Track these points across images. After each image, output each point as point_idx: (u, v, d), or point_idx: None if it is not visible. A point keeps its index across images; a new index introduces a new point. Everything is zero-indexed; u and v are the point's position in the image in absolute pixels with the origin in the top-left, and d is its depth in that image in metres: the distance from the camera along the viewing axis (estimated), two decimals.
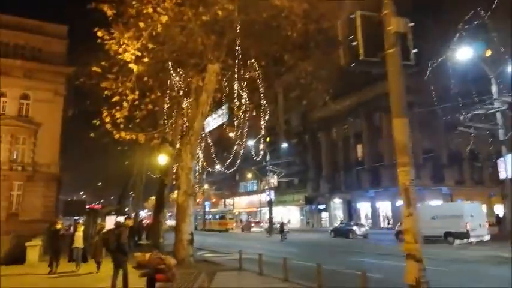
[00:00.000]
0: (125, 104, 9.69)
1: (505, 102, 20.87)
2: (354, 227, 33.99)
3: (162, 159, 14.11)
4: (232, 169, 25.06)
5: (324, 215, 51.55)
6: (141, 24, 8.70)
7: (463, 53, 20.38)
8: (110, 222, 18.05)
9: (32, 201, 29.10)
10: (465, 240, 23.30)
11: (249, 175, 60.72)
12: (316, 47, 11.81)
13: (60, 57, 32.78)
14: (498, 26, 22.20)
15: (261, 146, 29.94)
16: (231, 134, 18.85)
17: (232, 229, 50.42)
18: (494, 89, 22.27)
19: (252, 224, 52.85)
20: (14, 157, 30.43)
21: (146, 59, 9.26)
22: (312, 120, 52.16)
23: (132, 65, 8.77)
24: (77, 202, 43.86)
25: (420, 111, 42.37)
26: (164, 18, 8.49)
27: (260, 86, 14.16)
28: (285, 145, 49.92)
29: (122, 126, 10.18)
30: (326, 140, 52.23)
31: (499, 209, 42.65)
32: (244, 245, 26.12)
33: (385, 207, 43.62)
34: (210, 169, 23.74)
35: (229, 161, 21.88)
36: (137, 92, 9.79)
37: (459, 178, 42.69)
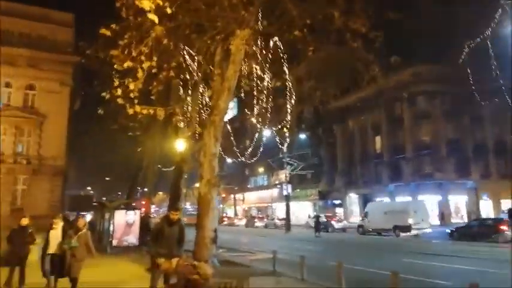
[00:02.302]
0: (140, 72, 7.84)
1: None
2: (333, 221, 36.35)
3: (181, 144, 12.28)
4: (253, 159, 23.24)
5: (339, 210, 49.57)
6: None
7: None
8: (119, 217, 16.39)
9: (37, 195, 27.69)
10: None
11: (261, 169, 58.86)
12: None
13: (67, 46, 31.21)
14: None
15: (278, 137, 28.01)
16: (253, 120, 16.92)
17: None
18: None
19: (256, 220, 51.01)
20: (19, 150, 29.10)
21: (169, 10, 7.39)
22: (326, 112, 50.05)
23: (151, 15, 6.93)
24: (83, 197, 42.55)
25: (445, 101, 40.30)
26: None
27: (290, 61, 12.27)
28: (299, 137, 47.87)
29: (136, 101, 8.34)
30: (342, 132, 50.13)
31: None
32: (262, 242, 24.54)
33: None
34: (229, 159, 22.07)
35: (249, 150, 20.07)
36: (155, 58, 7.92)
37: (485, 171, 40.41)
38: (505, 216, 31.95)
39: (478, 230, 23.39)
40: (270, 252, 18.20)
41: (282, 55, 12.80)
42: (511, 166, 41.06)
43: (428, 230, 27.80)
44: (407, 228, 27.23)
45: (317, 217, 33.15)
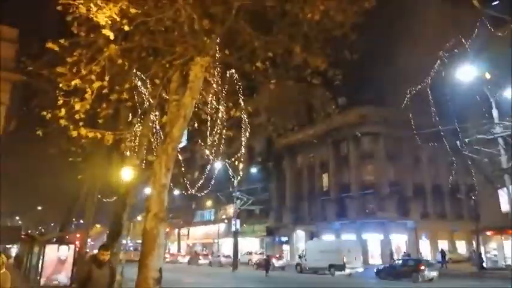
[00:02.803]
0: (88, 93, 7.13)
1: (507, 128, 20.20)
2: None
3: (127, 173, 11.35)
4: (203, 192, 22.38)
5: (286, 247, 49.15)
6: None
7: (465, 73, 19.32)
8: (50, 252, 14.68)
9: None
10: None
11: (208, 202, 57.38)
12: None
13: (7, 63, 28.96)
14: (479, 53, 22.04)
15: (230, 170, 27.50)
16: (206, 151, 16.40)
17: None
18: (495, 113, 21.68)
19: (200, 257, 48.84)
20: None
21: (126, 27, 6.88)
22: (276, 148, 50.60)
23: (106, 31, 6.37)
24: (9, 228, 38.50)
25: (387, 143, 42.41)
26: None
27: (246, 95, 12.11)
28: (249, 171, 47.60)
29: (81, 123, 7.53)
30: (291, 168, 50.70)
31: (462, 245, 42.89)
32: (209, 283, 23.25)
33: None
34: (176, 191, 21.06)
35: (200, 182, 19.27)
36: (107, 78, 7.28)
37: (424, 212, 42.42)
38: (439, 257, 33.79)
39: (401, 270, 24.81)
40: None
41: (238, 87, 12.64)
42: (447, 207, 43.66)
43: (361, 269, 28.93)
44: (342, 267, 28.06)
45: (267, 257, 33.58)
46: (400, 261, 27.20)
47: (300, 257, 33.51)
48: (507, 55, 20.79)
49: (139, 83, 8.78)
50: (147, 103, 10.86)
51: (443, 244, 40.21)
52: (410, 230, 40.35)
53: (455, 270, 30.26)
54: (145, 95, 8.78)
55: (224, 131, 14.84)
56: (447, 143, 23.44)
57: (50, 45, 7.51)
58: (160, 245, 9.41)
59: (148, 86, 9.22)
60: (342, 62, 10.28)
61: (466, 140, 21.98)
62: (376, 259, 38.32)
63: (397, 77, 32.62)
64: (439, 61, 23.55)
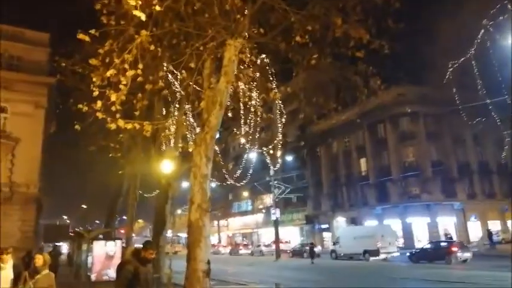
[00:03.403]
0: (122, 82, 6.88)
1: None
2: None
3: (167, 165, 11.17)
4: (241, 182, 22.17)
5: (326, 235, 48.46)
6: None
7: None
8: (98, 248, 14.92)
9: (8, 226, 25.61)
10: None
11: (245, 193, 57.49)
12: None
13: (42, 67, 29.92)
14: None
15: (268, 159, 27.08)
16: (242, 140, 16.06)
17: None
18: None
19: (240, 247, 49.20)
20: None
21: (157, 7, 6.54)
22: (310, 134, 49.68)
23: (137, 12, 6.05)
24: (59, 226, 40.23)
25: (427, 122, 40.52)
26: None
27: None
28: (284, 159, 47.10)
29: (117, 115, 7.30)
30: (326, 154, 49.72)
31: None
32: (253, 272, 23.12)
33: (394, 225, 40.91)
34: (213, 183, 21.05)
35: (237, 172, 19.03)
36: (140, 66, 6.99)
37: (471, 192, 40.35)
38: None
39: (434, 252, 24.59)
40: (264, 283, 17.08)
41: (272, 71, 12.15)
42: (496, 186, 41.29)
43: (396, 254, 29.02)
44: (376, 253, 28.25)
45: (311, 244, 33.27)
46: (432, 245, 26.74)
47: (334, 243, 33.70)
48: None
49: (173, 71, 8.50)
50: (181, 92, 10.59)
51: (494, 225, 38.15)
52: (458, 212, 38.60)
53: (503, 252, 28.61)
54: (178, 84, 8.46)
55: (261, 116, 14.45)
56: (497, 116, 21.95)
57: (80, 36, 7.29)
58: (207, 237, 9.16)
59: (183, 73, 8.90)
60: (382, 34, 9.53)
61: None
62: (424, 243, 36.92)
63: (434, 52, 30.83)
64: (483, 30, 21.95)
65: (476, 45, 22.49)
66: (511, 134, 23.27)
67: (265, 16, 9.04)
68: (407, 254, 26.89)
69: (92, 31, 7.42)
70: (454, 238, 37.22)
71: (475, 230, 38.31)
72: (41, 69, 29.40)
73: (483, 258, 24.33)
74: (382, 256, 28.15)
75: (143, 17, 6.20)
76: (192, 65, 8.46)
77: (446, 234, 34.89)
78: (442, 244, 25.79)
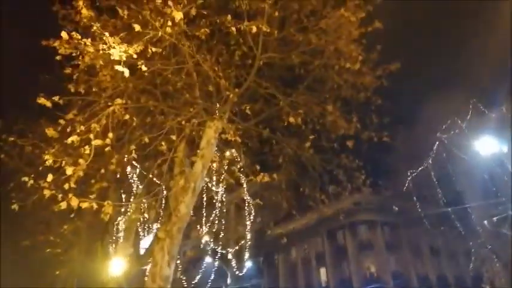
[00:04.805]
0: (85, 152, 5.70)
1: None
2: None
3: (117, 264, 9.24)
4: None
5: None
6: (137, 27, 5.48)
7: (487, 146, 17.37)
8: None
9: None
10: None
11: None
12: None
13: None
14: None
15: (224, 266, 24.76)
16: (205, 238, 14.51)
17: None
18: None
19: None
20: None
21: (144, 67, 5.77)
22: (267, 239, 47.62)
23: (119, 67, 5.22)
24: None
25: (385, 231, 40.47)
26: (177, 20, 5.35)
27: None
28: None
29: (70, 194, 5.91)
30: (285, 262, 47.21)
31: None
32: None
33: None
34: None
35: (197, 277, 16.75)
36: (110, 135, 5.94)
37: None
38: None
39: None
40: None
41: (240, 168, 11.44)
42: None
43: None
44: None
45: None
46: None
47: None
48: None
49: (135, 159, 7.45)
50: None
51: None
52: None
53: None
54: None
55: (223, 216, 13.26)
56: (460, 225, 22.05)
57: (41, 100, 6.27)
58: None
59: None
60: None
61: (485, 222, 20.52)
62: None
63: (393, 162, 32.13)
64: (437, 142, 23.39)
65: (432, 156, 23.70)
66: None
67: (251, 97, 8.61)
68: None
69: (56, 98, 6.45)
70: None
71: None
72: None
73: None
74: None
75: (126, 73, 5.38)
76: (163, 146, 7.54)
77: None
78: None
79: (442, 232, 31.14)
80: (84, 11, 5.61)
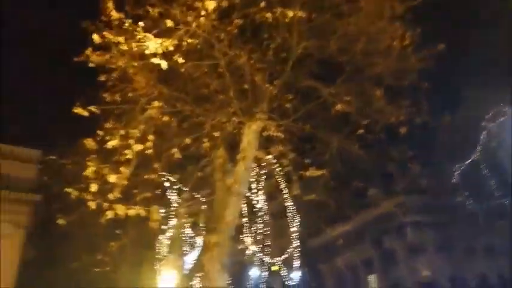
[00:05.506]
0: (127, 156, 5.47)
1: None
2: None
3: (168, 279, 8.96)
4: None
5: None
6: (169, 23, 5.30)
7: None
8: None
9: None
10: None
11: None
12: None
13: (28, 183, 28.27)
14: None
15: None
16: (251, 249, 14.09)
17: None
18: None
19: None
20: None
21: (181, 59, 5.53)
22: (309, 250, 46.46)
23: (156, 60, 5.00)
24: None
25: (434, 232, 38.39)
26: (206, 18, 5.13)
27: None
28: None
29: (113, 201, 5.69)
30: (331, 271, 45.78)
31: None
32: None
33: None
34: None
35: None
36: (151, 137, 5.71)
37: None
38: None
39: None
40: None
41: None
42: None
43: None
44: None
45: None
46: None
47: None
48: None
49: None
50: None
51: None
52: None
53: None
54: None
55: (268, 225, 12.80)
56: None
57: (78, 110, 6.14)
58: None
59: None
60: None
61: None
62: None
63: (435, 154, 30.46)
64: (484, 132, 22.02)
65: (481, 146, 22.33)
66: None
67: (288, 90, 8.19)
68: None
69: (92, 107, 6.31)
70: None
71: None
72: (26, 186, 27.64)
73: None
74: None
75: (164, 65, 5.14)
76: (206, 143, 7.26)
77: None
78: None
79: (498, 228, 29.15)
80: (114, 13, 5.50)
